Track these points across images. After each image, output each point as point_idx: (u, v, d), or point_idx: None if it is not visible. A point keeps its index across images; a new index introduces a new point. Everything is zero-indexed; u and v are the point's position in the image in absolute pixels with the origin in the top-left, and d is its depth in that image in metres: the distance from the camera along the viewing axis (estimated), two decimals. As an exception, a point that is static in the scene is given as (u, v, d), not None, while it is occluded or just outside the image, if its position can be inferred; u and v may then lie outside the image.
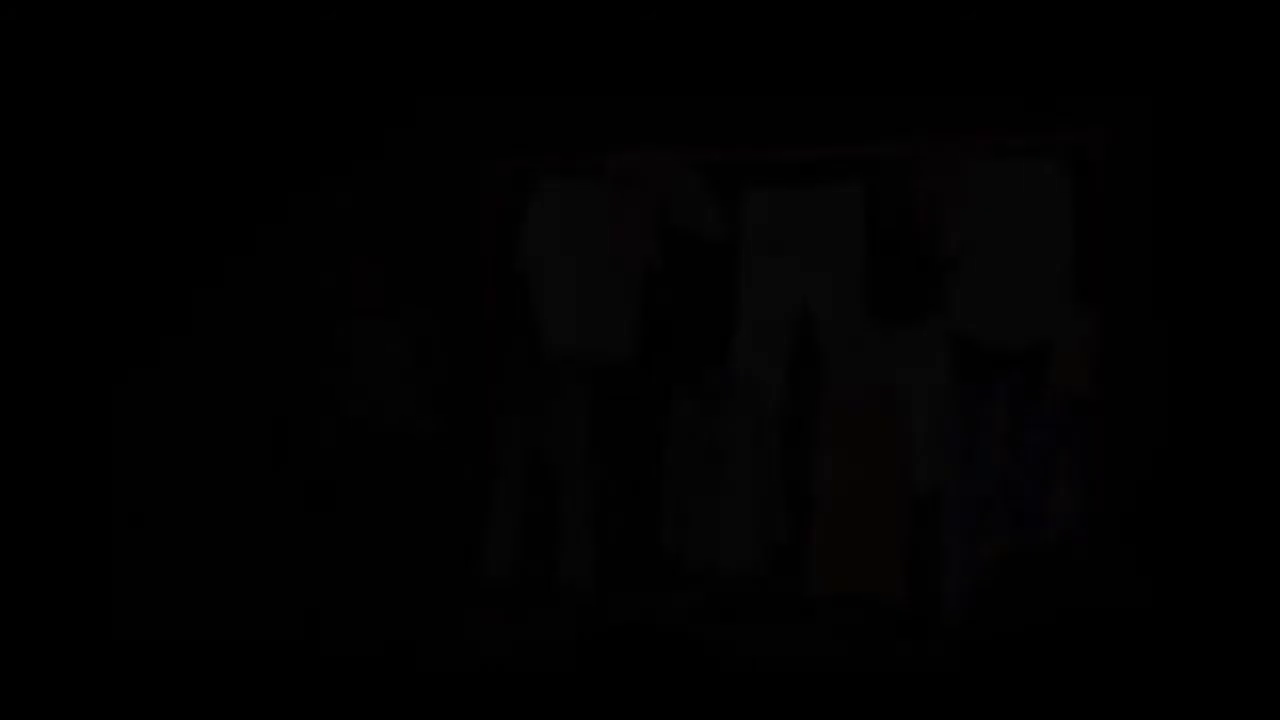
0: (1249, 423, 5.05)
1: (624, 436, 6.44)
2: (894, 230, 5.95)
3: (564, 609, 6.25)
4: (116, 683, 5.00)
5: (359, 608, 6.46)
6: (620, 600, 6.34)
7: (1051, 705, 1.91)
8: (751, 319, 6.18)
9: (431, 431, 5.87)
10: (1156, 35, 5.35)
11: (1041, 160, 5.86)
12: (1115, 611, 1.91)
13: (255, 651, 5.60)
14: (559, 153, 6.27)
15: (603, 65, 6.08)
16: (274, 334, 6.83)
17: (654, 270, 6.16)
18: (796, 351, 6.18)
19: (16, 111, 5.31)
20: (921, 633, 5.90)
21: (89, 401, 5.70)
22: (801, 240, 6.10)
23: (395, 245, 7.08)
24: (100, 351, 5.82)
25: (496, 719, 4.62)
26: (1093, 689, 1.87)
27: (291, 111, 6.26)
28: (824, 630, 6.07)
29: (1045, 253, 5.84)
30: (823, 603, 6.00)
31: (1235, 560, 4.86)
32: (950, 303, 5.95)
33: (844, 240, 6.06)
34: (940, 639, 5.82)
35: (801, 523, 6.01)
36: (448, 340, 6.49)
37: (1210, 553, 5.03)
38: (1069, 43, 5.55)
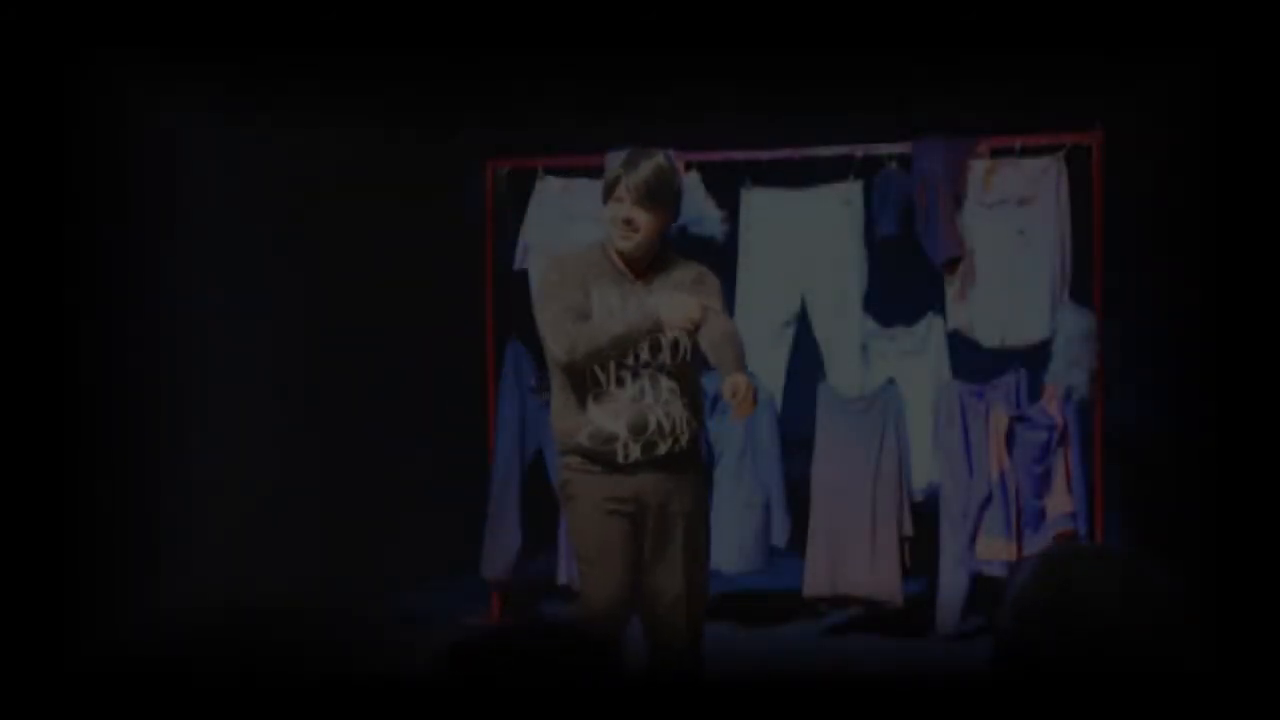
0: (1247, 421, 5.05)
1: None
2: (894, 229, 5.95)
3: (564, 608, 6.25)
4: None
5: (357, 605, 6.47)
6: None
7: (1051, 705, 1.90)
8: (751, 318, 6.17)
9: None
10: (1154, 36, 5.35)
11: (1040, 160, 5.87)
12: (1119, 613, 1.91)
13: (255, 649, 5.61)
14: (559, 153, 6.27)
15: (603, 66, 6.08)
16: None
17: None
18: (796, 351, 6.18)
19: None
20: (919, 632, 5.91)
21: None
22: (801, 240, 6.10)
23: (396, 245, 7.10)
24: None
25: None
26: (1094, 689, 1.87)
27: (290, 109, 6.26)
28: (824, 630, 6.07)
29: (1045, 252, 5.84)
30: (822, 603, 6.00)
31: (1234, 557, 4.86)
32: (950, 303, 5.95)
33: (843, 240, 6.06)
34: (938, 639, 5.83)
35: (800, 523, 6.01)
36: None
37: (1210, 551, 5.04)
38: (1068, 44, 5.55)
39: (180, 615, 5.93)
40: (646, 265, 4.10)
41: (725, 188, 6.11)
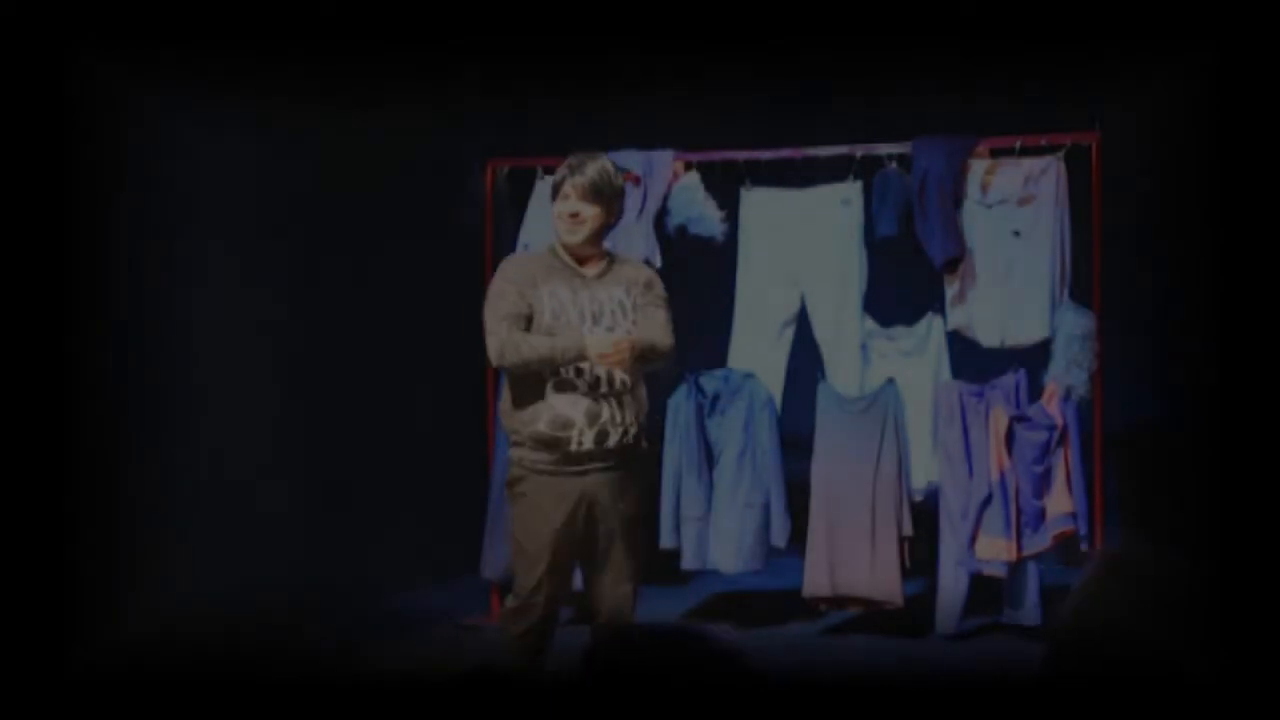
0: (1247, 419, 5.06)
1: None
2: (894, 229, 5.94)
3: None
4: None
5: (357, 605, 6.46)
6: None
7: (1049, 705, 1.91)
8: (751, 318, 6.18)
9: None
10: (1154, 36, 5.35)
11: (1039, 160, 5.87)
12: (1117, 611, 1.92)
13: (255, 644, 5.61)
14: (559, 153, 6.26)
15: (603, 66, 6.08)
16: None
17: (654, 269, 6.15)
18: (795, 351, 6.18)
19: None
20: (919, 632, 5.90)
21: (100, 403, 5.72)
22: (800, 240, 6.10)
23: (396, 245, 7.09)
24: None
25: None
26: (1092, 689, 1.88)
27: (289, 109, 6.26)
28: (824, 630, 6.07)
29: (1044, 252, 5.84)
30: (822, 603, 6.00)
31: (1236, 556, 4.86)
32: (950, 303, 5.95)
33: (843, 239, 6.06)
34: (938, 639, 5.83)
35: (800, 524, 6.01)
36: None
37: (1211, 550, 5.03)
38: (1068, 43, 5.55)
39: (181, 617, 5.92)
40: (594, 260, 4.36)
41: (725, 188, 6.11)
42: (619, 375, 4.21)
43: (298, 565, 6.56)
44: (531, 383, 4.24)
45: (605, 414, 4.20)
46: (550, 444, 4.21)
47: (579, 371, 4.19)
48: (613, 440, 4.22)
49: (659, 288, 4.42)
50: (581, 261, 4.33)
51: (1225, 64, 5.12)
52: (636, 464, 4.33)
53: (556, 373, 4.20)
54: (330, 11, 5.40)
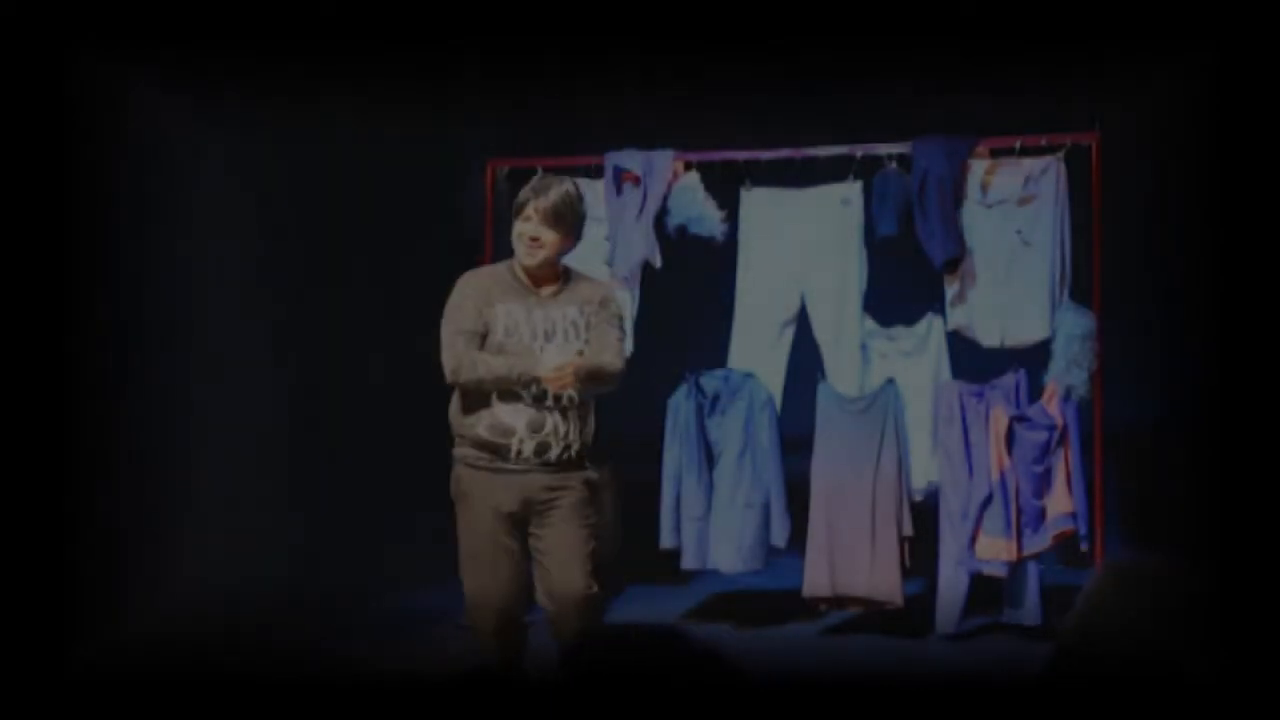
0: (1247, 420, 5.06)
1: (623, 436, 6.44)
2: (894, 229, 5.94)
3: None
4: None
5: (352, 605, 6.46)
6: (618, 601, 6.33)
7: (1050, 705, 1.92)
8: (751, 318, 6.17)
9: None
10: (1154, 36, 5.35)
11: (1040, 160, 5.87)
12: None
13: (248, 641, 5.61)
14: (559, 153, 6.27)
15: (603, 65, 6.08)
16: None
17: (654, 269, 6.16)
18: (796, 351, 6.17)
19: None
20: (919, 632, 5.90)
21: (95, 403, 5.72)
22: (800, 240, 6.10)
23: (396, 246, 7.10)
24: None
25: None
26: (1092, 690, 1.88)
27: (290, 109, 6.26)
28: (824, 630, 6.07)
29: (1044, 252, 5.84)
30: (822, 603, 5.99)
31: (1235, 556, 4.86)
32: (950, 303, 5.95)
33: (843, 239, 6.06)
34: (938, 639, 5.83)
35: (800, 524, 6.00)
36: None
37: (1210, 550, 5.04)
38: (1068, 44, 5.55)
39: (181, 617, 5.93)
40: (550, 281, 4.39)
41: (725, 188, 6.11)
42: (566, 393, 4.25)
43: (297, 565, 6.56)
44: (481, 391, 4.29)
45: (549, 425, 4.26)
46: (490, 449, 4.27)
47: (526, 384, 4.23)
48: (554, 453, 4.27)
49: (614, 306, 4.47)
50: (538, 283, 4.38)
51: (1225, 64, 5.11)
52: (579, 474, 4.35)
53: None
54: (330, 11, 5.39)
